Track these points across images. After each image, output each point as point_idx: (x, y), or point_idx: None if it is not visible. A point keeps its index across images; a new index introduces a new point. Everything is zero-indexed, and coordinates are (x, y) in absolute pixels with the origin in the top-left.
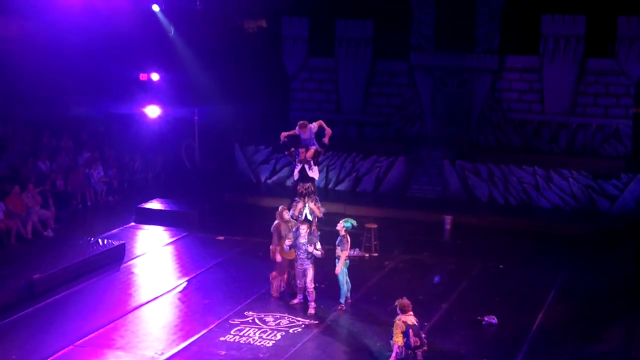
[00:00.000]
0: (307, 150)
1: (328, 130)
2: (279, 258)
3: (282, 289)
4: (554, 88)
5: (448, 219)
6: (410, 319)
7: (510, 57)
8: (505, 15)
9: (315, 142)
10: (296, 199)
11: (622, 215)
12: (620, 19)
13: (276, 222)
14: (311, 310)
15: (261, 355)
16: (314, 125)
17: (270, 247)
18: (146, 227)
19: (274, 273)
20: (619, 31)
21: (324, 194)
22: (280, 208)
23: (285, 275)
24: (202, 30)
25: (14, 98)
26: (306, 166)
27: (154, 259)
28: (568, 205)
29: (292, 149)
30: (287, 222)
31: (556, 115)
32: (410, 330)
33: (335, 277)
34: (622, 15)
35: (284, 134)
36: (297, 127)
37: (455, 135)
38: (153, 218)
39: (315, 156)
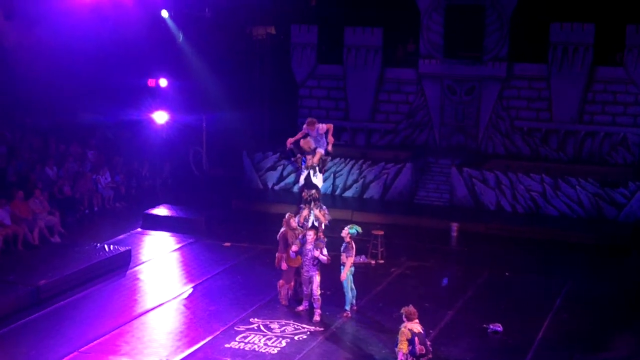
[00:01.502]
0: (313, 155)
1: (331, 139)
2: (284, 266)
3: (290, 296)
4: (562, 96)
5: (455, 226)
6: (416, 326)
7: (519, 65)
8: (514, 23)
9: (325, 142)
10: (301, 206)
11: (629, 223)
12: (629, 28)
13: (283, 229)
14: (317, 317)
15: None
16: (323, 126)
17: (277, 254)
18: (153, 233)
19: (281, 282)
20: (627, 40)
21: (331, 201)
22: (287, 215)
23: (292, 283)
24: (210, 37)
25: (23, 104)
26: (311, 172)
27: (160, 265)
28: (575, 213)
29: (299, 155)
30: (293, 229)
31: (564, 123)
32: (416, 338)
33: (341, 283)
34: (630, 24)
35: (290, 140)
36: (305, 124)
37: (463, 143)
38: (160, 224)
39: (322, 163)
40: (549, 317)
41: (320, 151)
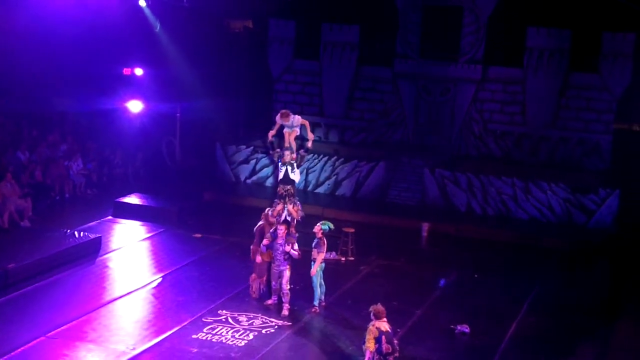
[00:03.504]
0: (292, 152)
1: (311, 135)
2: (258, 259)
3: (262, 291)
4: (536, 101)
5: (425, 226)
6: (384, 325)
7: (494, 68)
8: (491, 26)
9: (298, 131)
10: (276, 200)
11: (598, 229)
12: (605, 35)
13: (261, 222)
14: (285, 312)
15: (233, 355)
16: (299, 118)
17: (251, 247)
18: (123, 221)
19: (253, 275)
20: (603, 47)
21: (303, 196)
22: (267, 210)
23: (265, 278)
24: (188, 27)
25: None
26: (289, 168)
27: (130, 253)
28: (545, 218)
29: (278, 149)
30: (272, 224)
31: (537, 127)
32: (383, 337)
33: (310, 279)
34: (607, 32)
35: (271, 132)
36: (278, 116)
37: (437, 144)
38: (131, 213)
39: (300, 159)
40: (516, 320)
41: (296, 130)
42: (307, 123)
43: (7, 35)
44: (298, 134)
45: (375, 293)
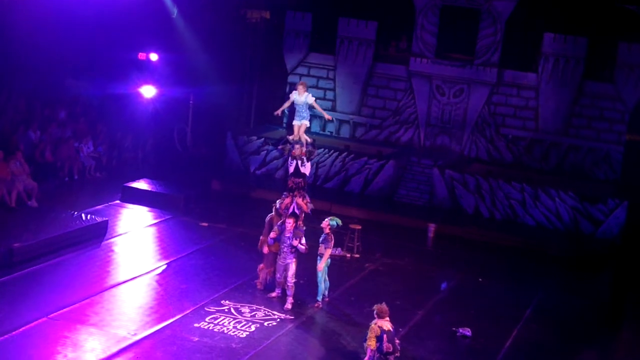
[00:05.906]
0: (301, 145)
1: (324, 113)
2: (265, 249)
3: (268, 282)
4: (549, 107)
5: (432, 227)
6: (386, 324)
7: (509, 72)
8: (507, 30)
9: (309, 114)
10: (285, 192)
11: (604, 240)
12: (621, 45)
13: (272, 214)
14: (288, 305)
15: (234, 345)
16: (311, 97)
17: (261, 237)
18: (131, 206)
19: (261, 265)
20: (619, 57)
21: (311, 191)
22: (277, 201)
23: (272, 269)
24: (205, 15)
25: (12, 68)
26: (299, 162)
27: (136, 238)
28: (552, 225)
29: (288, 144)
30: (281, 216)
31: (549, 134)
32: (385, 336)
33: (315, 273)
34: (623, 42)
35: (280, 109)
36: (297, 85)
37: (448, 145)
38: (139, 198)
39: (309, 154)
40: (518, 326)
41: (305, 123)
42: (316, 105)
43: (24, 17)
44: (308, 126)
45: (379, 291)
